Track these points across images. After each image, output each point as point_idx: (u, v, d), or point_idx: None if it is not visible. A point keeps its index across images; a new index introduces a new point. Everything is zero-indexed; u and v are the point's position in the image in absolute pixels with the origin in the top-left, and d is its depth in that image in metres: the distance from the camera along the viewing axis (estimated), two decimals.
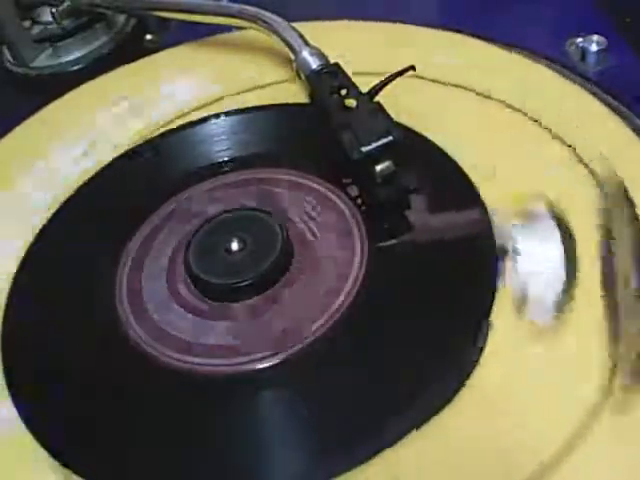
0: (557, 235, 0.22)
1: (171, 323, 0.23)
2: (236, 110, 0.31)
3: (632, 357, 0.19)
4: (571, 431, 0.18)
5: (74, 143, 0.31)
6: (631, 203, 0.23)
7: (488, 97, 0.28)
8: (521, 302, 0.21)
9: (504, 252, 0.22)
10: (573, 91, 0.28)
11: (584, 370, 0.19)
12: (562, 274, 0.21)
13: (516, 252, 0.22)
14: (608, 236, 0.22)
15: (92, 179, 0.29)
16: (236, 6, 0.32)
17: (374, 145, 0.23)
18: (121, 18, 0.39)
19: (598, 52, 0.30)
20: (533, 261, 0.22)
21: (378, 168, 0.24)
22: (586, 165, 0.24)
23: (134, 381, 0.22)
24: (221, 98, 0.31)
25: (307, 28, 0.30)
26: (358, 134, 0.24)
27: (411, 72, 0.27)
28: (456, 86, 0.29)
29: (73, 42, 0.37)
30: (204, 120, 0.30)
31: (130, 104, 0.32)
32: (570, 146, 0.25)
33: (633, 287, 0.20)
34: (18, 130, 0.32)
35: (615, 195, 0.23)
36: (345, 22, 0.34)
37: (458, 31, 0.32)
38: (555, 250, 0.22)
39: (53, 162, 0.30)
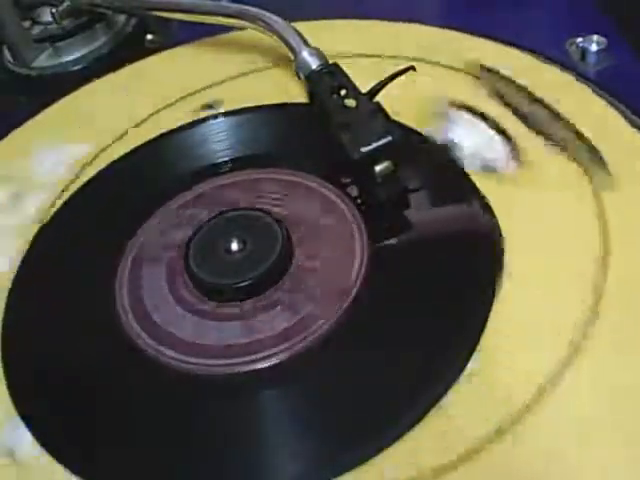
0: (475, 119, 0.27)
1: (171, 323, 0.23)
2: (236, 110, 0.31)
3: None
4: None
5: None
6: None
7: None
8: (485, 167, 0.25)
9: (448, 147, 0.27)
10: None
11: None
12: (500, 138, 0.26)
13: (454, 144, 0.27)
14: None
15: (92, 179, 0.29)
16: (236, 6, 0.32)
17: (374, 145, 0.23)
18: (121, 18, 0.39)
19: (598, 52, 0.30)
20: (473, 141, 0.26)
21: (377, 168, 0.24)
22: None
23: (134, 381, 0.22)
24: (221, 98, 0.31)
25: (307, 28, 0.30)
26: (358, 134, 0.24)
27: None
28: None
29: (73, 42, 0.37)
30: (204, 120, 0.31)
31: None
32: None
33: None
34: (19, 130, 0.32)
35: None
36: (345, 21, 0.34)
37: (458, 30, 0.32)
38: (484, 128, 0.27)
39: (53, 162, 0.30)
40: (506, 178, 0.25)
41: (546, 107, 0.27)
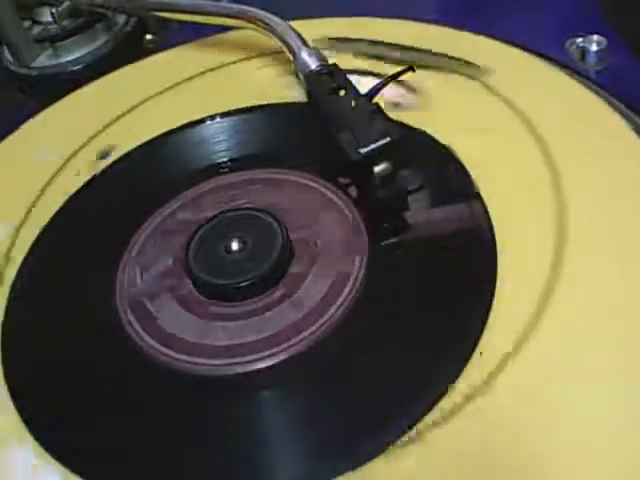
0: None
1: (171, 323, 0.23)
2: (235, 110, 0.31)
3: None
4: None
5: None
6: None
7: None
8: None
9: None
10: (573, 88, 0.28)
11: None
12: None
13: None
14: None
15: (92, 179, 0.29)
16: (236, 6, 0.32)
17: (373, 146, 0.23)
18: (121, 18, 0.39)
19: (598, 52, 0.30)
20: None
21: (376, 169, 0.24)
22: None
23: (134, 381, 0.22)
24: (221, 98, 0.31)
25: (306, 28, 0.30)
26: (357, 135, 0.24)
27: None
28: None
29: (73, 42, 0.37)
30: (203, 120, 0.31)
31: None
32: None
33: None
34: (21, 129, 0.32)
35: None
36: (345, 20, 0.34)
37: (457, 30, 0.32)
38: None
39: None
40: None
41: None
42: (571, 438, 0.18)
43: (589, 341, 0.20)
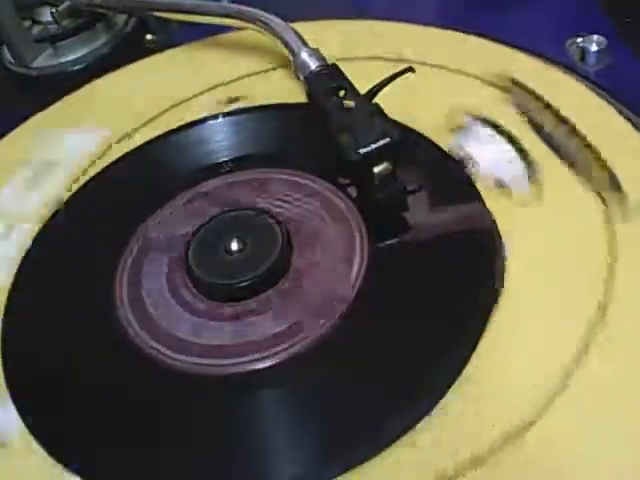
0: (492, 132, 0.27)
1: (171, 323, 0.23)
2: (236, 110, 0.31)
3: None
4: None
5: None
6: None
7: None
8: (500, 185, 0.25)
9: (463, 162, 0.26)
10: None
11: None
12: (516, 155, 0.26)
13: (469, 157, 0.26)
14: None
15: (92, 179, 0.29)
16: (236, 6, 0.32)
17: (372, 147, 0.23)
18: (121, 18, 0.39)
19: (598, 52, 0.30)
20: (488, 156, 0.26)
21: (376, 170, 0.24)
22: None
23: (133, 381, 0.22)
24: (221, 98, 0.31)
25: (306, 28, 0.30)
26: (356, 135, 0.24)
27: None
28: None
29: (73, 42, 0.37)
30: (204, 120, 0.31)
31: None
32: None
33: None
34: (19, 129, 0.32)
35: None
36: (344, 22, 0.34)
37: (457, 31, 0.32)
38: (504, 144, 0.26)
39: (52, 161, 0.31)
40: (518, 197, 0.24)
41: (571, 128, 0.26)
42: None
43: None
